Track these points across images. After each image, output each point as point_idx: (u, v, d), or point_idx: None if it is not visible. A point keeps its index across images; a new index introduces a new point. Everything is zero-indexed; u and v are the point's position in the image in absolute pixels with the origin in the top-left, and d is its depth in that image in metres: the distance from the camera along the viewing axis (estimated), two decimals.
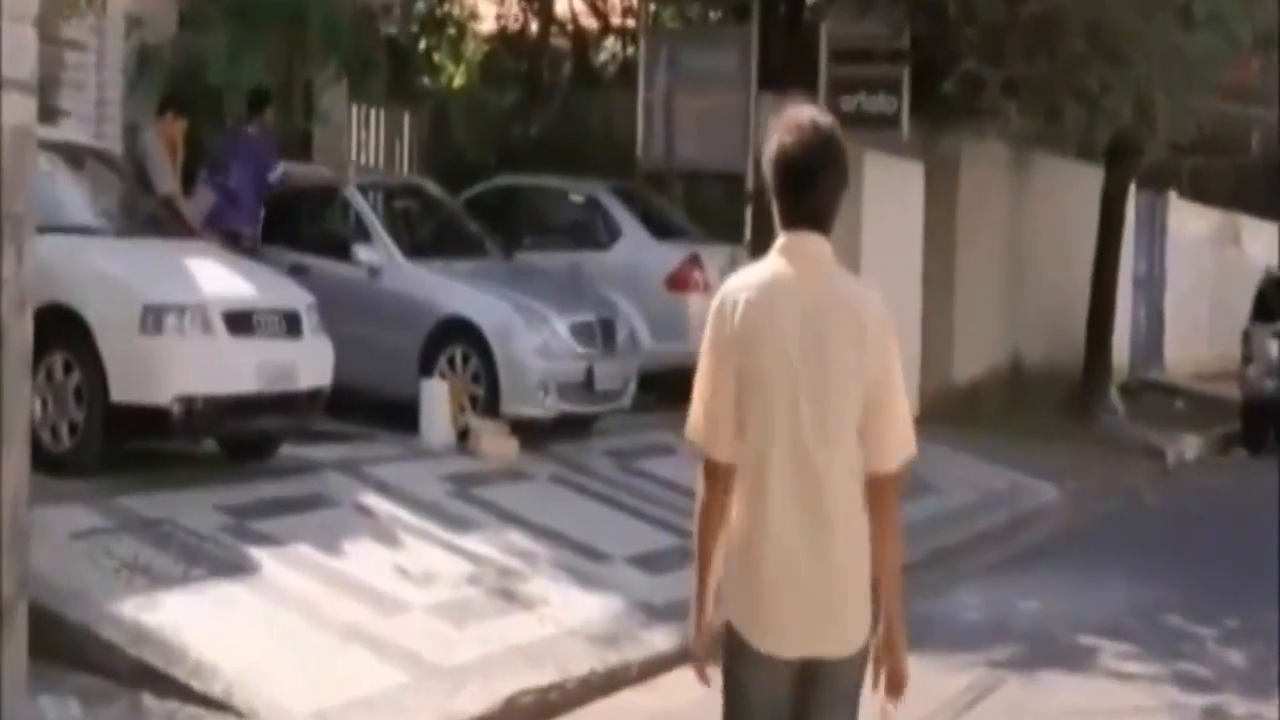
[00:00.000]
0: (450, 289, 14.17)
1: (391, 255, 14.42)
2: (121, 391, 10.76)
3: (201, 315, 10.98)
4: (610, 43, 21.61)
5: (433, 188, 16.14)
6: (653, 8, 18.99)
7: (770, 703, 4.85)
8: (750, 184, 18.16)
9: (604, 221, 16.91)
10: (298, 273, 13.56)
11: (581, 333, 14.21)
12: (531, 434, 13.81)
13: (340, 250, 14.46)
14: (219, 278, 11.53)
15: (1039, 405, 21.96)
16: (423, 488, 12.21)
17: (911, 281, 20.22)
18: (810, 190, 4.87)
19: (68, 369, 10.88)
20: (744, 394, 4.73)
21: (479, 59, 23.67)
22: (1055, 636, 11.40)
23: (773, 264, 4.84)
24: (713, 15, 20.22)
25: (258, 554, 10.12)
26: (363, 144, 19.23)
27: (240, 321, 11.20)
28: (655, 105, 18.49)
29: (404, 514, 11.56)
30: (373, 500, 11.69)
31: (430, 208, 16.07)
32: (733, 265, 16.91)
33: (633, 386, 14.74)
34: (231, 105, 15.44)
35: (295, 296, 11.86)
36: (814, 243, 4.87)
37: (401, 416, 13.67)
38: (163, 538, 10.01)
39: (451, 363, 13.94)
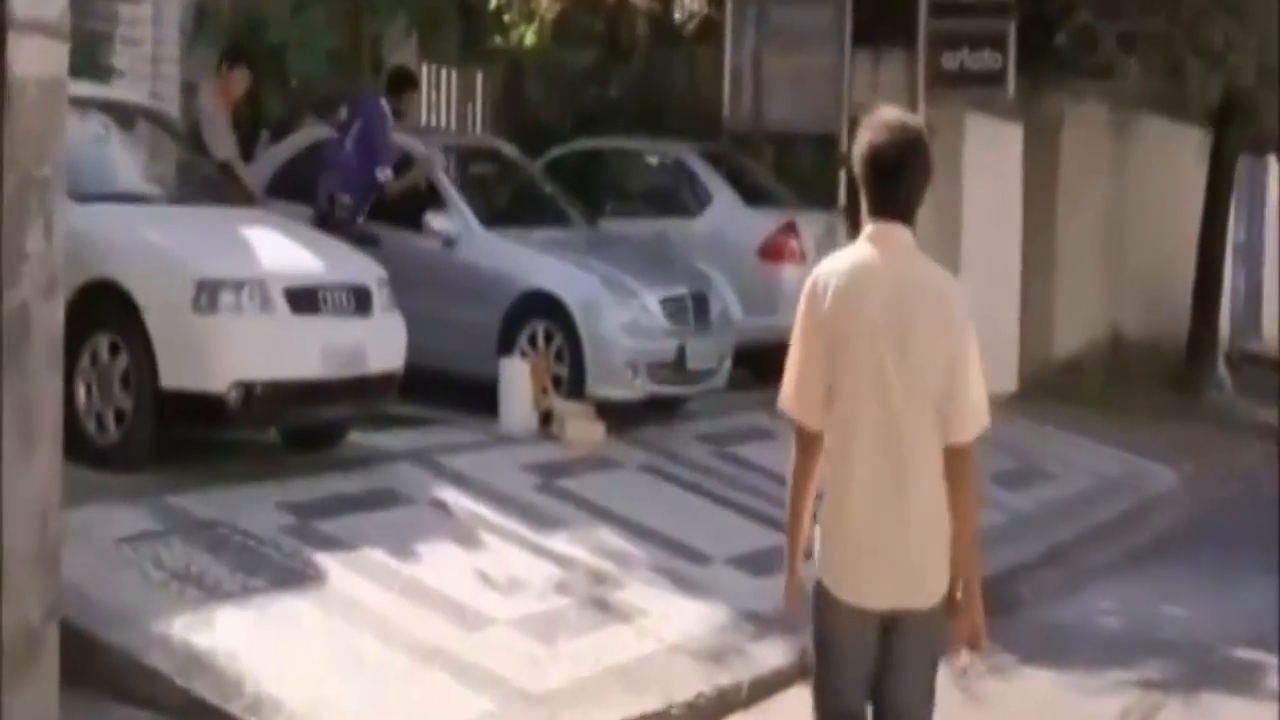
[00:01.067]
0: (531, 260, 12.93)
1: (468, 224, 13.17)
2: (172, 376, 9.57)
3: (261, 292, 9.77)
4: None
5: (510, 150, 14.84)
6: None
7: (858, 652, 5.25)
8: (844, 147, 16.86)
9: (692, 187, 15.61)
10: (365, 243, 12.31)
11: (672, 308, 12.96)
12: (618, 417, 12.59)
13: (412, 219, 13.22)
14: (281, 251, 10.31)
15: (1141, 380, 20.67)
16: (504, 480, 11.00)
17: (1010, 250, 18.90)
18: (897, 185, 5.22)
19: (114, 351, 9.70)
20: (834, 368, 5.12)
21: (553, 17, 22.37)
22: (1207, 649, 10.16)
23: (861, 250, 5.24)
24: None
25: (323, 560, 8.94)
26: (433, 105, 18.00)
27: (304, 299, 9.97)
28: (743, 64, 17.15)
29: (484, 511, 10.36)
30: (449, 495, 10.48)
31: (508, 172, 14.79)
32: (829, 234, 15.69)
33: (727, 365, 13.49)
34: (296, 64, 14.22)
35: (365, 271, 10.64)
36: (899, 232, 5.24)
37: (478, 399, 12.47)
38: (218, 542, 8.84)
39: (533, 341, 12.71)
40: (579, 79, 18.28)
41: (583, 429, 12.22)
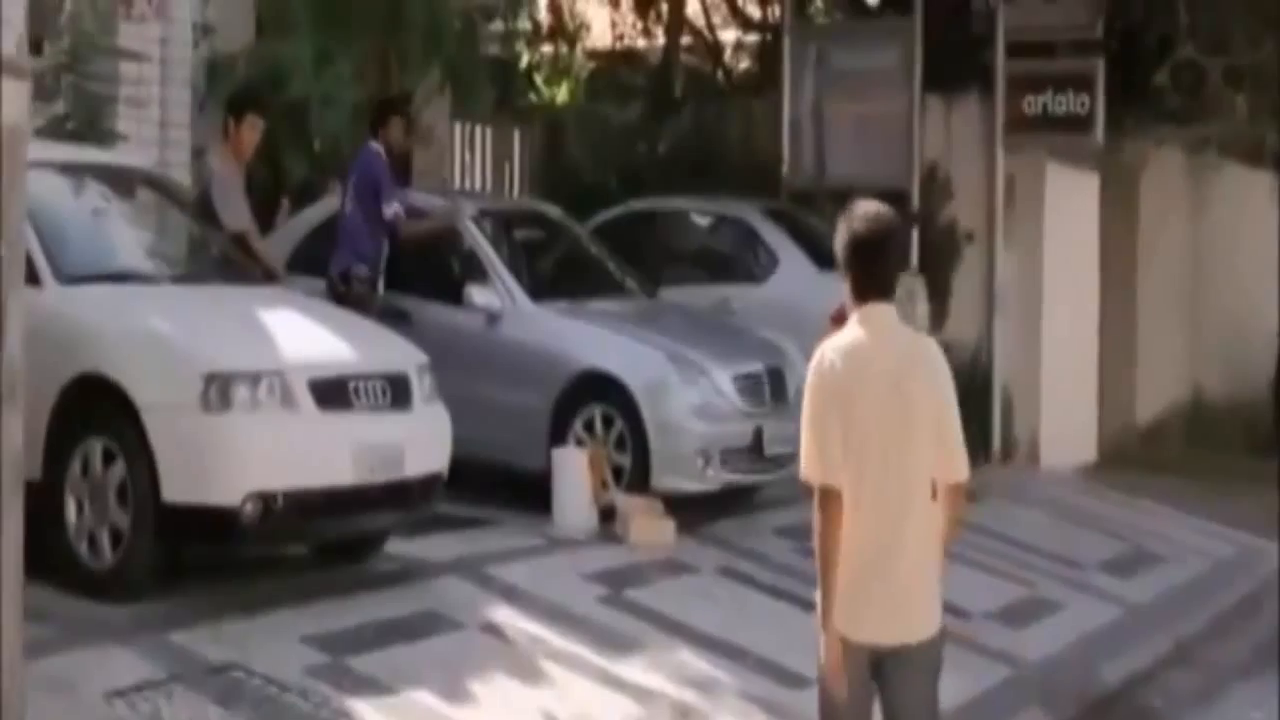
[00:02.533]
0: (586, 336, 11.31)
1: (513, 297, 11.57)
2: (178, 489, 7.96)
3: (281, 385, 8.17)
4: (749, 44, 18.71)
5: (556, 213, 13.18)
6: None
7: (860, 679, 5.64)
8: (917, 202, 15.29)
9: (756, 249, 13.99)
10: (397, 320, 10.84)
11: (747, 386, 11.34)
12: (688, 511, 10.95)
13: (450, 291, 11.63)
14: (304, 336, 8.72)
15: (1226, 444, 18.97)
16: (564, 593, 9.37)
17: (1087, 308, 17.25)
18: (879, 269, 5.84)
19: (108, 460, 8.11)
20: (848, 434, 5.61)
21: (587, 74, 20.93)
22: None
23: (856, 330, 5.79)
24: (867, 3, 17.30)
25: (359, 709, 7.30)
26: (467, 166, 16.44)
27: (332, 392, 8.37)
28: (802, 114, 15.62)
29: (544, 633, 8.71)
30: (503, 615, 8.85)
31: (555, 238, 13.14)
32: (909, 296, 14.04)
33: None
34: (320, 123, 12.67)
35: (403, 356, 9.04)
36: (885, 310, 5.82)
37: (529, 494, 10.87)
38: (232, 690, 7.22)
39: (590, 427, 11.09)
40: (624, 135, 16.69)
41: (650, 528, 10.59)
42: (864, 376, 5.62)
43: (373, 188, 11.25)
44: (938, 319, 14.69)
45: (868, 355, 5.67)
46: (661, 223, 14.30)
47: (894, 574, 5.59)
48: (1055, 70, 14.88)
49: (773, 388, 11.52)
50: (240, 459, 8.01)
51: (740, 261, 14.06)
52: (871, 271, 5.77)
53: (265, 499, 8.04)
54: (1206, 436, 18.98)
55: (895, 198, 15.23)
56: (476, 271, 11.71)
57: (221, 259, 9.83)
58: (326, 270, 11.34)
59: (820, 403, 5.65)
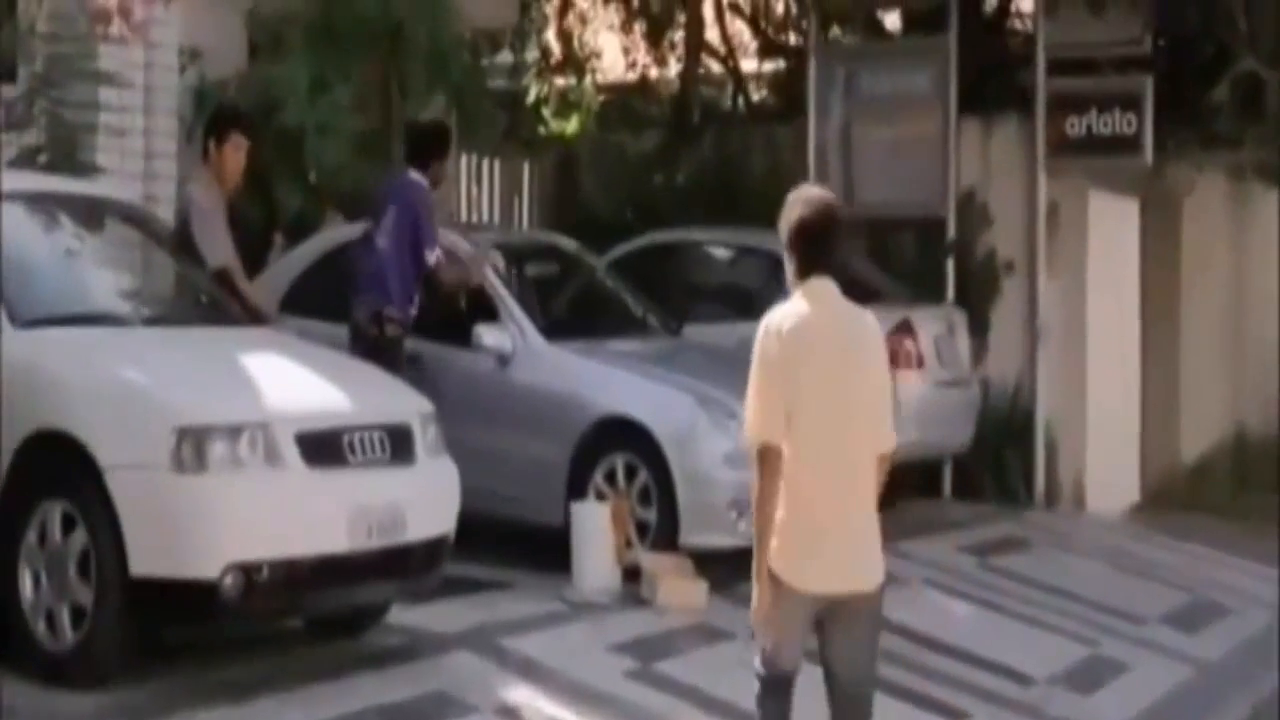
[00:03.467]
0: (605, 379, 10.26)
1: (526, 336, 10.51)
2: (147, 560, 6.89)
3: (265, 440, 7.11)
4: (772, 67, 17.67)
5: (571, 246, 12.10)
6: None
7: (802, 627, 6.02)
8: (953, 231, 14.24)
9: (784, 283, 12.85)
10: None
11: None
12: (719, 569, 9.87)
13: (456, 332, 10.58)
14: (292, 382, 7.65)
15: (1273, 483, 17.87)
16: (589, 667, 8.31)
17: (1129, 341, 16.18)
18: (825, 249, 6.21)
19: (68, 527, 7.05)
20: (793, 398, 5.95)
21: (598, 106, 19.92)
22: None
23: (802, 303, 6.16)
24: (885, 20, 16.26)
25: None
26: (474, 201, 15.40)
27: (324, 446, 7.30)
28: (829, 140, 14.58)
29: (568, 715, 7.65)
30: (521, 695, 7.77)
31: (571, 273, 12.03)
32: (950, 332, 13.01)
33: None
34: (316, 153, 11.63)
35: (405, 405, 7.97)
36: (828, 285, 6.21)
37: (546, 553, 9.82)
38: None
39: (611, 479, 10.03)
40: (640, 166, 15.63)
41: (680, 590, 9.52)
42: (811, 344, 6.00)
43: (414, 225, 10.18)
44: (976, 354, 13.63)
45: (814, 325, 6.05)
46: (683, 256, 13.20)
47: (845, 528, 5.97)
48: (1100, 88, 13.84)
49: None
50: (218, 525, 6.94)
51: (768, 297, 12.70)
52: (817, 252, 6.18)
53: (247, 570, 6.96)
54: (1252, 475, 17.89)
55: (930, 226, 14.37)
56: (485, 309, 10.65)
57: (202, 299, 8.75)
58: (343, 309, 10.31)
59: (768, 368, 6.00)
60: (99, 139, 11.06)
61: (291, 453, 7.17)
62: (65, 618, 7.05)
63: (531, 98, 20.06)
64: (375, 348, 9.96)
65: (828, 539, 5.90)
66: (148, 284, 8.68)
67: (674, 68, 18.32)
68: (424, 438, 7.81)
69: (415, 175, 10.37)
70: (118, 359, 7.31)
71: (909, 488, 13.58)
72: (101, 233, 8.51)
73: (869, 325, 6.25)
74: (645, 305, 11.65)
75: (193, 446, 6.93)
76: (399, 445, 7.63)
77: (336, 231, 11.55)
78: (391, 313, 10.15)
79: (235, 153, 9.69)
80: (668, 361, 10.73)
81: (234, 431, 7.03)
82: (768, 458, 5.95)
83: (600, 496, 9.98)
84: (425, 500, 7.69)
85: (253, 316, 8.81)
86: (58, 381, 7.10)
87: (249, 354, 7.79)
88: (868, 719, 6.19)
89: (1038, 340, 14.23)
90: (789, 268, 6.20)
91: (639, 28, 18.53)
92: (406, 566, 7.61)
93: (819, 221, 6.16)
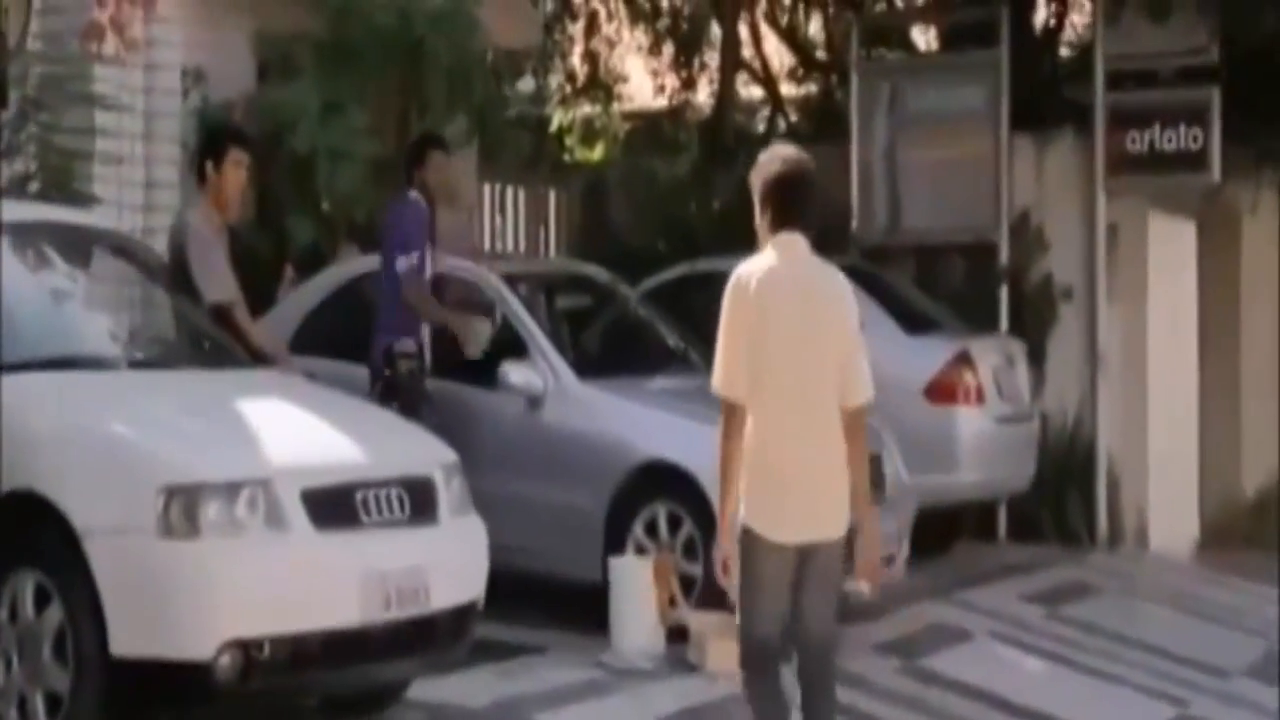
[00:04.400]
0: (646, 420, 9.27)
1: (557, 375, 9.53)
2: (131, 639, 5.96)
3: (266, 498, 6.17)
4: (810, 86, 16.74)
5: (604, 276, 11.09)
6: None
7: (779, 582, 6.09)
8: (1006, 256, 13.27)
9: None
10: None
11: None
12: None
13: (481, 370, 9.60)
14: (298, 431, 6.70)
15: None
16: None
17: (1188, 370, 15.17)
18: (799, 204, 6.28)
19: (42, 600, 6.11)
20: (760, 351, 6.04)
21: (624, 133, 19.04)
22: None
23: (773, 255, 6.19)
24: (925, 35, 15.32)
25: None
26: (498, 231, 14.48)
27: (334, 505, 6.36)
28: (874, 161, 13.61)
29: None
30: None
31: (604, 305, 10.99)
32: (1009, 364, 12.04)
33: (906, 548, 9.81)
34: (329, 179, 10.69)
35: (426, 455, 7.01)
36: (798, 239, 6.26)
37: (582, 612, 8.86)
38: None
39: (652, 530, 9.07)
40: (672, 192, 14.68)
41: (730, 652, 8.42)
42: (779, 298, 6.04)
43: (400, 240, 9.32)
44: (1033, 385, 12.65)
45: (784, 278, 6.10)
46: (722, 286, 12.21)
47: (815, 478, 6.06)
48: (1164, 102, 12.84)
49: (871, 477, 9.46)
50: (212, 598, 6.00)
51: None
52: (790, 206, 6.24)
53: (246, 649, 6.04)
54: None
55: (982, 251, 13.40)
56: (512, 345, 9.70)
57: (200, 339, 7.78)
58: (362, 347, 9.41)
59: (736, 322, 6.07)
60: (95, 167, 10.21)
61: (297, 513, 6.23)
62: (39, 705, 6.11)
63: (555, 126, 19.21)
64: (391, 388, 9.07)
65: (800, 489, 6.04)
66: (137, 323, 7.68)
67: (704, 90, 17.40)
68: (448, 492, 6.86)
69: (411, 193, 9.51)
70: (98, 407, 6.37)
71: (964, 530, 12.67)
72: (87, 266, 7.55)
73: (838, 280, 6.33)
74: (686, 339, 10.68)
75: (182, 507, 6.00)
76: (420, 502, 6.67)
77: (352, 264, 10.60)
78: (403, 347, 9.24)
79: (235, 171, 8.67)
80: (713, 401, 9.75)
81: (230, 489, 6.10)
82: (732, 417, 6.13)
83: (641, 550, 9.01)
84: (450, 564, 6.72)
85: (256, 357, 7.83)
86: (28, 435, 6.15)
87: (249, 400, 6.83)
88: (834, 674, 6.34)
89: (1098, 371, 13.26)
90: (761, 222, 6.27)
91: (668, 50, 17.63)
92: (430, 639, 6.65)
93: (794, 176, 6.26)
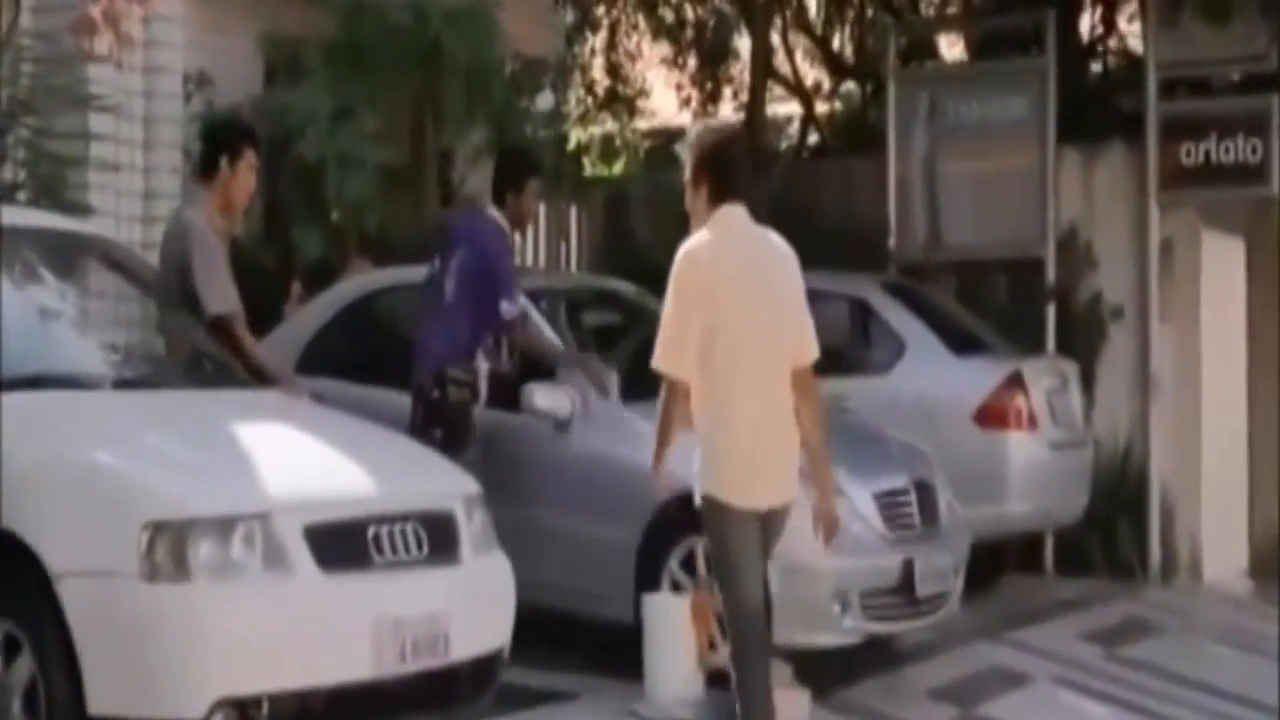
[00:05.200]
0: (682, 446, 8.43)
1: (585, 396, 8.75)
2: (110, 697, 5.17)
3: (265, 536, 5.39)
4: (846, 95, 15.95)
5: (632, 292, 10.29)
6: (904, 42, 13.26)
7: (756, 551, 6.21)
8: (1053, 274, 12.48)
9: (877, 333, 11.09)
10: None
11: (892, 506, 8.51)
12: (817, 670, 8.08)
13: (503, 391, 8.81)
14: (303, 460, 5.91)
15: None
16: None
17: (1237, 393, 14.36)
18: (738, 175, 6.23)
19: (12, 651, 5.33)
20: (719, 325, 6.04)
21: (645, 150, 18.28)
22: None
23: (718, 229, 6.18)
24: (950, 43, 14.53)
25: None
26: (517, 247, 13.68)
27: (342, 543, 5.57)
28: (912, 174, 12.82)
29: None
30: None
31: (633, 322, 10.17)
32: (1063, 387, 11.25)
33: (960, 584, 9.00)
34: (338, 189, 9.95)
35: (446, 486, 6.24)
36: (740, 211, 6.23)
37: (613, 654, 8.04)
38: None
39: (689, 565, 8.26)
40: None
41: (776, 700, 7.73)
42: (733, 272, 6.05)
43: (487, 270, 8.50)
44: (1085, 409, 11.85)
45: (732, 252, 6.11)
46: None
47: (778, 443, 6.14)
48: (1221, 111, 12.05)
49: (922, 507, 8.69)
50: (204, 650, 5.21)
51: (856, 348, 11.18)
52: (728, 179, 6.16)
53: (243, 707, 5.26)
54: None
55: (1026, 269, 12.60)
56: (535, 365, 8.92)
57: (193, 356, 6.96)
58: (382, 366, 8.77)
59: (686, 300, 6.03)
60: (89, 175, 9.50)
61: (300, 552, 5.45)
62: None
63: (573, 143, 18.46)
64: (436, 413, 8.30)
65: (766, 455, 6.11)
66: (125, 338, 6.90)
67: (729, 103, 16.63)
68: (470, 527, 6.08)
69: (494, 211, 8.69)
70: (75, 432, 5.58)
71: (1010, 563, 11.86)
72: (71, 275, 6.76)
73: (783, 246, 6.33)
74: None
75: (169, 546, 5.22)
76: (439, 539, 5.89)
77: (365, 279, 9.84)
78: (456, 373, 8.46)
79: (248, 174, 7.85)
80: None
81: (224, 526, 5.32)
82: (675, 390, 6.15)
83: (677, 587, 8.19)
84: (473, 608, 5.94)
85: (257, 377, 7.04)
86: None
87: (248, 424, 6.04)
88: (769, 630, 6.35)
89: (1150, 394, 12.45)
90: (697, 197, 6.20)
91: (691, 62, 16.87)
92: (450, 693, 5.85)
93: (729, 147, 6.22)
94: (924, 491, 8.76)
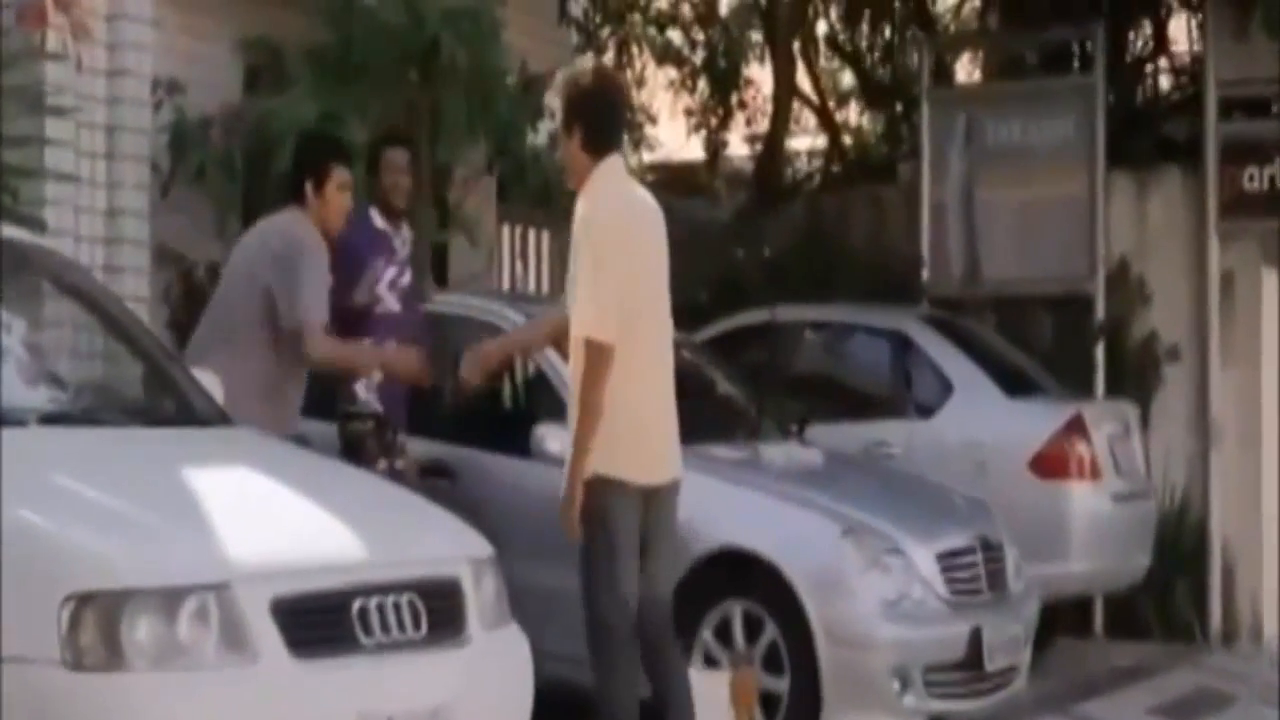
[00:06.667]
0: (717, 498, 7.26)
1: None
2: None
3: (222, 612, 4.20)
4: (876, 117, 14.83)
5: None
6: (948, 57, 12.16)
7: (635, 533, 5.74)
8: (1102, 310, 11.35)
9: (921, 372, 9.90)
10: (434, 477, 7.33)
11: (957, 569, 7.35)
12: None
13: (509, 435, 7.66)
14: (273, 515, 4.69)
15: None
16: None
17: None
18: (616, 121, 5.87)
19: None
20: (630, 289, 5.64)
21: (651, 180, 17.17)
22: None
23: (624, 182, 5.85)
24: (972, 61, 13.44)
25: None
26: (519, 278, 12.57)
27: (319, 621, 4.38)
28: (948, 202, 11.70)
29: None
30: None
31: None
32: (1125, 432, 10.11)
33: (1028, 655, 7.83)
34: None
35: (450, 547, 5.03)
36: (622, 164, 5.88)
37: None
38: None
39: (724, 634, 7.12)
40: (718, 238, 12.74)
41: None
42: (639, 229, 5.73)
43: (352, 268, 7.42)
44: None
45: (636, 210, 5.76)
46: (784, 339, 10.23)
47: (668, 418, 5.86)
48: None
49: (989, 569, 7.53)
50: None
51: (895, 388, 10.01)
52: (608, 126, 5.75)
53: None
54: None
55: (1074, 304, 11.47)
56: (548, 404, 7.74)
57: (149, 384, 5.73)
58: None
59: (606, 260, 5.57)
60: (47, 188, 8.32)
61: (267, 632, 4.25)
62: None
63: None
64: (347, 454, 7.20)
65: (659, 427, 5.81)
66: (61, 363, 5.70)
67: (739, 131, 15.55)
68: (479, 597, 4.88)
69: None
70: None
71: (1061, 626, 10.70)
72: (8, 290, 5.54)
73: (656, 204, 5.96)
74: (757, 398, 8.72)
75: (98, 626, 4.04)
76: (442, 613, 4.69)
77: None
78: (365, 402, 7.36)
79: (340, 196, 7.08)
80: (797, 474, 7.81)
81: (169, 599, 4.13)
82: (604, 358, 5.59)
83: (710, 660, 7.10)
84: (483, 697, 4.72)
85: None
86: None
87: (207, 470, 4.82)
88: (671, 620, 5.89)
89: (1210, 442, 11.30)
90: (570, 145, 5.72)
91: (701, 84, 15.75)
92: None
93: (608, 90, 5.83)
94: (990, 550, 7.60)
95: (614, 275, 5.58)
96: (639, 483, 5.71)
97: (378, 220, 7.61)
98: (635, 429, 5.70)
